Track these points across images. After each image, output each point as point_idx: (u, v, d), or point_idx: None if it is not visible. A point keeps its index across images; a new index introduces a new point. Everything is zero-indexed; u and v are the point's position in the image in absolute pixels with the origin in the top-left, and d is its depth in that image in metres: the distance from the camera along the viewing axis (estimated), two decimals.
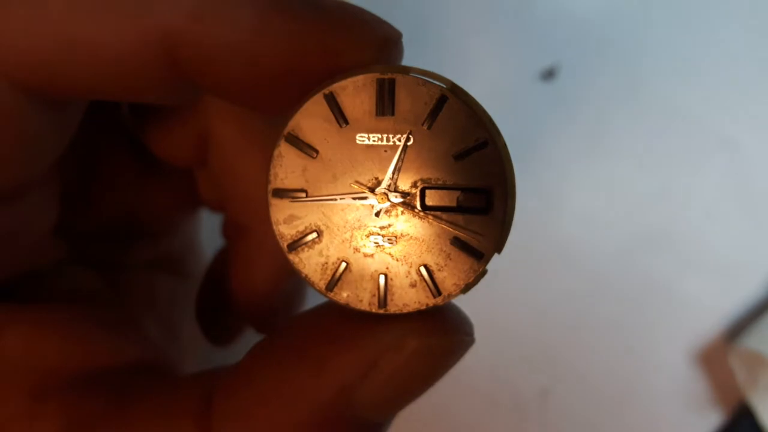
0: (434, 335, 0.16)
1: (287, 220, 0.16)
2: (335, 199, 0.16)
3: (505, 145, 0.16)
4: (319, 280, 0.16)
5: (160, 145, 0.22)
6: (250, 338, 0.25)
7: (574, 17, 0.38)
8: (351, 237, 0.16)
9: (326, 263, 0.16)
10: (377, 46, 0.16)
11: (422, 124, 0.15)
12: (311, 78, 0.15)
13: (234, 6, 0.15)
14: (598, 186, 0.37)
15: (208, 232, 0.29)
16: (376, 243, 0.16)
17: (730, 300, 0.36)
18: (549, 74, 0.38)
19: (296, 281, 0.16)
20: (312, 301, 0.18)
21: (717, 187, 0.37)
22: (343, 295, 0.16)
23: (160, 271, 0.26)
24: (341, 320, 0.16)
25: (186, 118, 0.21)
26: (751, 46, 0.38)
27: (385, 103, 0.15)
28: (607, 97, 0.38)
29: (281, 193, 0.16)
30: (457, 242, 0.16)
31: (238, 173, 0.22)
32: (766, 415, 0.33)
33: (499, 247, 0.16)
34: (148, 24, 0.15)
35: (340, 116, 0.15)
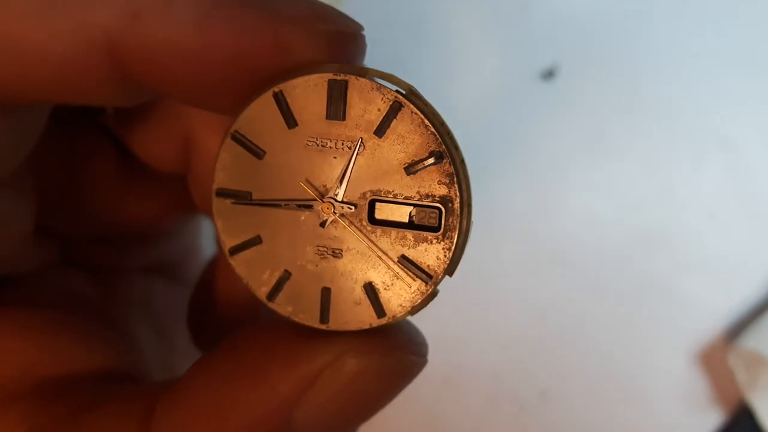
0: (376, 354, 0.15)
1: (230, 222, 0.15)
2: (280, 205, 0.15)
3: (462, 160, 0.15)
4: (260, 287, 0.15)
5: (144, 150, 0.22)
6: None
7: (574, 17, 0.38)
8: (295, 246, 0.15)
9: (268, 271, 0.15)
10: (331, 40, 0.15)
11: (374, 132, 0.14)
12: (261, 76, 0.15)
13: (175, 3, 0.14)
14: (597, 186, 0.37)
15: (208, 237, 0.29)
16: (320, 255, 0.15)
17: (730, 300, 0.36)
18: (549, 74, 0.38)
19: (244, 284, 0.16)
20: None
21: (717, 187, 0.37)
22: (285, 307, 0.15)
23: (157, 276, 0.26)
24: (284, 335, 0.16)
25: (169, 123, 0.21)
26: (752, 46, 0.37)
27: (336, 107, 0.14)
28: (606, 97, 0.38)
29: (225, 194, 0.15)
30: (404, 261, 0.15)
31: None
32: (766, 415, 0.33)
33: (450, 270, 0.15)
34: (85, 23, 0.14)
35: (289, 117, 0.15)
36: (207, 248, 0.29)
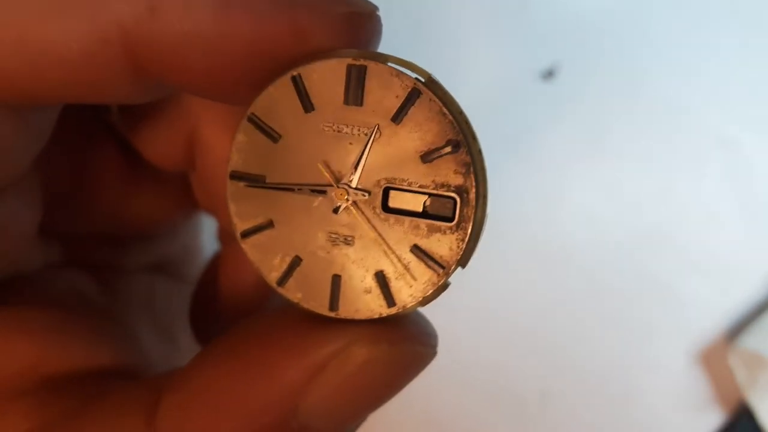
0: (385, 345, 0.15)
1: (243, 205, 0.15)
2: (293, 189, 0.15)
3: (480, 150, 0.14)
4: (270, 272, 0.15)
5: (149, 148, 0.21)
6: None
7: (574, 17, 0.38)
8: (307, 231, 0.15)
9: (279, 256, 0.15)
10: (348, 22, 0.14)
11: (391, 119, 0.14)
12: (278, 63, 0.14)
13: None
14: (598, 186, 0.37)
15: (209, 235, 0.29)
16: (332, 241, 0.15)
17: (730, 300, 0.36)
18: (549, 74, 0.38)
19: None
20: None
21: (717, 187, 0.37)
22: (295, 293, 0.15)
23: (159, 274, 0.26)
24: (291, 323, 0.15)
25: (174, 121, 0.21)
26: (752, 46, 0.37)
27: (355, 92, 0.14)
28: (607, 97, 0.38)
29: (239, 177, 0.15)
30: (417, 251, 0.14)
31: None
32: (766, 415, 0.33)
33: (463, 262, 0.15)
34: (103, 20, 0.14)
35: (306, 101, 0.14)
36: (208, 246, 0.29)
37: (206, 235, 0.29)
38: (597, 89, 0.38)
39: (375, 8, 0.15)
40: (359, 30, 0.15)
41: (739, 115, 0.37)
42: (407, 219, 0.15)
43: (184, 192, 0.24)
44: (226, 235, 0.24)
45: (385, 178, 0.14)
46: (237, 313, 0.23)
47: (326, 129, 0.15)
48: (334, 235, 0.15)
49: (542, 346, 0.36)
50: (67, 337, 0.18)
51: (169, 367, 0.24)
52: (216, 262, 0.25)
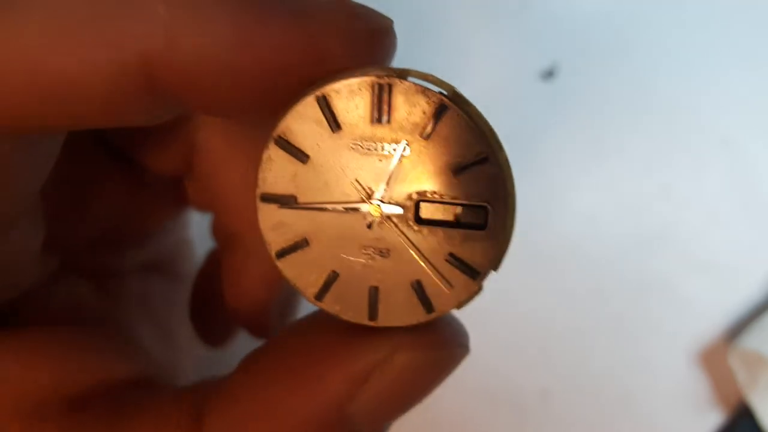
0: (424, 350, 0.15)
1: (276, 226, 0.15)
2: (326, 208, 0.15)
3: (507, 159, 0.15)
4: (308, 288, 0.16)
5: (146, 156, 0.22)
6: (245, 339, 0.25)
7: (574, 17, 0.38)
8: (341, 247, 0.15)
9: (315, 272, 0.16)
10: (366, 40, 0.15)
11: (419, 134, 0.15)
12: (299, 83, 0.15)
13: (208, 18, 0.14)
14: (598, 186, 0.37)
15: (199, 231, 0.29)
16: (367, 255, 0.15)
17: (730, 300, 0.36)
18: (549, 74, 0.38)
19: (289, 286, 0.16)
20: (306, 305, 0.17)
21: (718, 187, 0.37)
22: (333, 306, 0.16)
23: (153, 274, 0.26)
24: (332, 333, 0.16)
25: (172, 129, 0.21)
26: (752, 46, 0.38)
27: (381, 110, 0.14)
28: (607, 97, 0.38)
29: (270, 199, 0.15)
30: (451, 258, 0.15)
31: (226, 181, 0.21)
32: (766, 415, 0.33)
33: (495, 266, 0.15)
34: (122, 49, 0.14)
35: (332, 121, 0.15)
36: (198, 242, 0.29)
37: (195, 230, 0.29)
38: (597, 89, 0.38)
39: (391, 22, 0.15)
40: (378, 46, 0.15)
41: (741, 115, 0.37)
42: (441, 229, 0.15)
43: (176, 191, 0.24)
44: (223, 237, 0.24)
45: (417, 192, 0.15)
46: (242, 312, 0.23)
47: (354, 147, 0.15)
48: (369, 249, 0.15)
49: (542, 345, 0.36)
50: (83, 355, 0.18)
51: (170, 366, 0.24)
52: (212, 258, 0.25)
